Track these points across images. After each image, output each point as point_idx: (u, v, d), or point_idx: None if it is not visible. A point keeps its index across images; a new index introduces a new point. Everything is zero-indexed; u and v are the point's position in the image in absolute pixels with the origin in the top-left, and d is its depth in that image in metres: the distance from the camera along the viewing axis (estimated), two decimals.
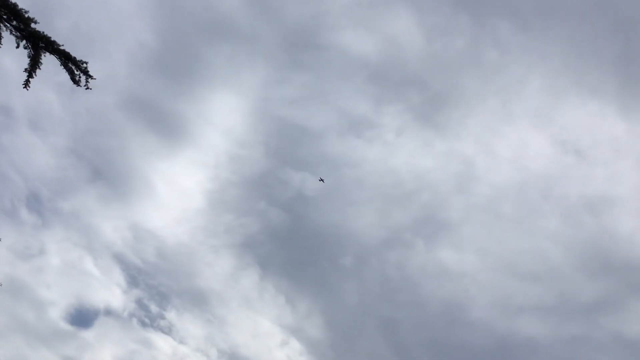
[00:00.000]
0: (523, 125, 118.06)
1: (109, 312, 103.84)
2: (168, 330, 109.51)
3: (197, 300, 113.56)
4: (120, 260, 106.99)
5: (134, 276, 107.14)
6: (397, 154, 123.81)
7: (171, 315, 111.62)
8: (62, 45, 23.75)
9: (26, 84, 23.73)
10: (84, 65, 23.80)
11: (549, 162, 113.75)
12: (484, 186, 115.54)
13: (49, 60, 24.09)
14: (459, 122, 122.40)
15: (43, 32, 23.40)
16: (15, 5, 22.79)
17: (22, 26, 23.08)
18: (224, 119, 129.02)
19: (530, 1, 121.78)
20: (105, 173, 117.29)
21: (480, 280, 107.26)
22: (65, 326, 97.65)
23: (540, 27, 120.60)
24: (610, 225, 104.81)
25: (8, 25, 23.09)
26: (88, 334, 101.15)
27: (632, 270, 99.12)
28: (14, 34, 23.15)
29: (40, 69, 23.62)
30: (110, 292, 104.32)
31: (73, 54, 23.95)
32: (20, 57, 23.75)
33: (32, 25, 23.14)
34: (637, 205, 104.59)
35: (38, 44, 23.47)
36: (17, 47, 23.36)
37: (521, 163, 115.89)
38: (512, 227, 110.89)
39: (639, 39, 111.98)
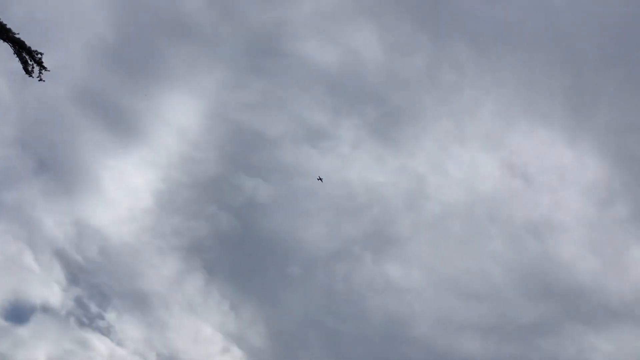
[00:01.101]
0: (474, 147, 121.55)
1: (46, 309, 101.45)
2: (107, 332, 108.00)
3: (139, 302, 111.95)
4: (61, 256, 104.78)
5: (75, 274, 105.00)
6: (351, 166, 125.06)
7: (111, 316, 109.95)
8: (17, 33, 23.24)
9: None
10: (39, 56, 23.40)
11: (497, 185, 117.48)
12: (434, 204, 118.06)
13: (1, 48, 23.52)
14: (413, 140, 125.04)
15: None
16: None
17: None
18: (179, 119, 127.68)
19: (489, 27, 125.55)
20: (52, 166, 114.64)
21: (424, 296, 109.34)
22: None
23: (497, 53, 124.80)
24: (552, 251, 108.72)
25: None
26: (23, 331, 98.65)
27: (569, 296, 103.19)
28: None
29: None
30: (48, 288, 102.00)
31: (28, 43, 23.44)
32: None
33: None
34: (578, 232, 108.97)
35: None
36: None
37: (470, 184, 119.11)
38: (458, 246, 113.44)
39: (590, 71, 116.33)
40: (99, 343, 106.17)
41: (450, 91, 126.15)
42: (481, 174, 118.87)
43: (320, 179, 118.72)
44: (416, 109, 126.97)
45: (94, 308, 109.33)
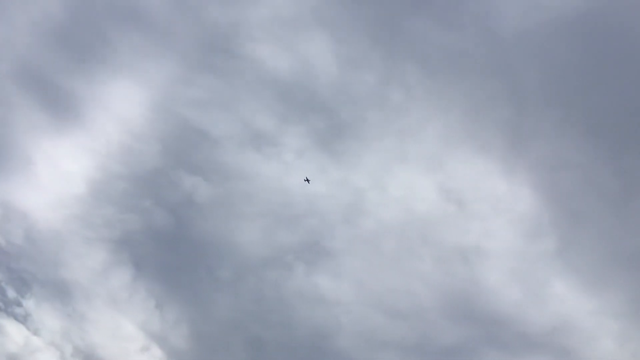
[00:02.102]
0: (415, 168, 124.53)
1: None
2: (23, 319, 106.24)
3: (60, 292, 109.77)
4: None
5: None
6: (292, 175, 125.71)
7: (29, 303, 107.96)
8: None
9: None
10: None
11: (432, 208, 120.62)
12: (370, 221, 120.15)
13: None
14: (356, 155, 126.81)
15: None
16: None
17: None
18: (122, 108, 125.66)
19: (439, 53, 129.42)
20: None
21: (351, 311, 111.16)
22: None
23: (445, 78, 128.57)
24: (478, 277, 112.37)
25: None
26: None
27: (491, 322, 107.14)
28: None
29: None
30: None
31: None
32: None
33: None
34: (505, 261, 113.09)
35: None
36: None
37: (407, 204, 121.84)
38: (389, 264, 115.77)
39: (530, 107, 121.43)
40: (14, 330, 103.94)
41: (396, 111, 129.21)
42: (418, 196, 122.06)
43: (308, 180, 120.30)
44: (362, 125, 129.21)
45: (11, 293, 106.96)
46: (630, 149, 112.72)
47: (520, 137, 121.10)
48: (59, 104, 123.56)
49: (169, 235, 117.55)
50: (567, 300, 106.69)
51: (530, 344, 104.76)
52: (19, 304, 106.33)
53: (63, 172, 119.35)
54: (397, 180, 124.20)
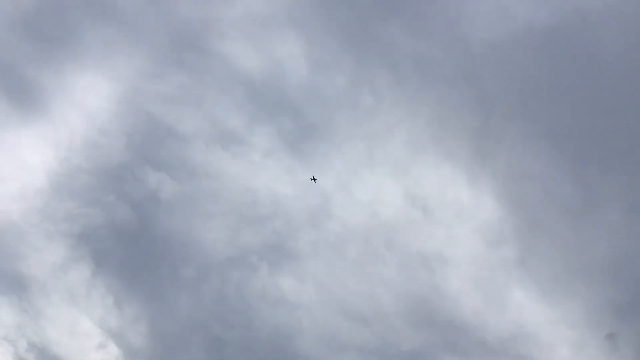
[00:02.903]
0: (382, 173, 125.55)
1: None
2: None
3: (16, 286, 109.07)
4: None
5: None
6: (260, 175, 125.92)
7: None
8: None
9: None
10: None
11: (397, 213, 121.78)
12: (336, 224, 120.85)
13: None
14: (324, 157, 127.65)
15: None
16: None
17: None
18: (88, 101, 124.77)
19: (410, 59, 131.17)
20: None
21: (313, 313, 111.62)
22: None
23: (414, 85, 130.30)
24: (440, 283, 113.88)
25: None
26: None
27: (451, 328, 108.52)
28: None
29: None
30: None
31: None
32: None
33: None
34: (466, 269, 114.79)
35: None
36: None
37: (373, 209, 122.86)
38: (353, 268, 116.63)
39: (497, 117, 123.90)
40: None
41: (365, 115, 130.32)
42: (384, 201, 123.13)
43: (314, 179, 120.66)
44: (331, 127, 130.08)
45: None
46: (592, 163, 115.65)
47: (486, 146, 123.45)
48: (22, 94, 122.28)
49: (131, 232, 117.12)
50: (525, 309, 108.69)
51: (488, 351, 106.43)
52: None
53: (24, 164, 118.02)
54: (363, 184, 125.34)
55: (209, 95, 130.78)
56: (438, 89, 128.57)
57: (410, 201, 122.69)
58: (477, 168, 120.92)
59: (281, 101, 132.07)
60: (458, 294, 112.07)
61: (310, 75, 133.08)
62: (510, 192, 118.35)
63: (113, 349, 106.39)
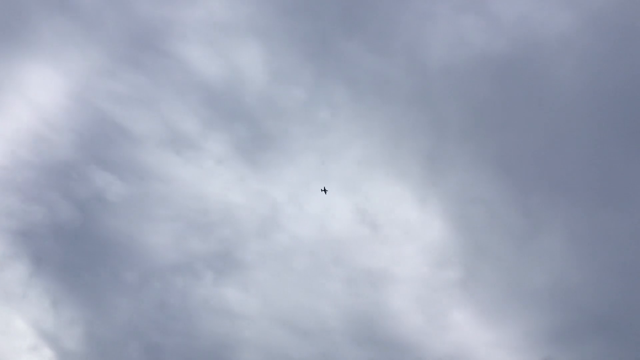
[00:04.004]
0: (333, 188, 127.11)
1: None
2: None
3: None
4: None
5: None
6: (211, 182, 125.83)
7: None
8: None
9: None
10: None
11: (346, 229, 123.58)
12: (284, 236, 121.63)
13: None
14: (277, 168, 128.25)
15: None
16: None
17: None
18: (37, 94, 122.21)
19: (368, 77, 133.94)
20: None
21: (256, 325, 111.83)
22: None
23: (371, 102, 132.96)
24: (384, 301, 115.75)
25: None
26: None
27: (392, 346, 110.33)
28: None
29: None
30: None
31: None
32: None
33: None
34: (410, 288, 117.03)
35: None
36: None
37: (322, 223, 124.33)
38: (299, 281, 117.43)
39: (448, 139, 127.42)
40: None
41: (321, 128, 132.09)
42: (334, 215, 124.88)
43: (325, 190, 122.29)
44: (286, 139, 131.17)
45: None
46: (537, 191, 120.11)
47: (437, 168, 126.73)
48: None
49: (74, 231, 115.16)
50: (465, 330, 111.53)
51: None
52: None
53: None
54: (314, 198, 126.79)
55: (164, 97, 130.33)
56: (394, 108, 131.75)
57: (360, 217, 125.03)
58: (426, 189, 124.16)
59: (238, 109, 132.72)
60: (401, 312, 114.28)
61: (268, 85, 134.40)
62: (457, 215, 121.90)
63: (46, 352, 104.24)
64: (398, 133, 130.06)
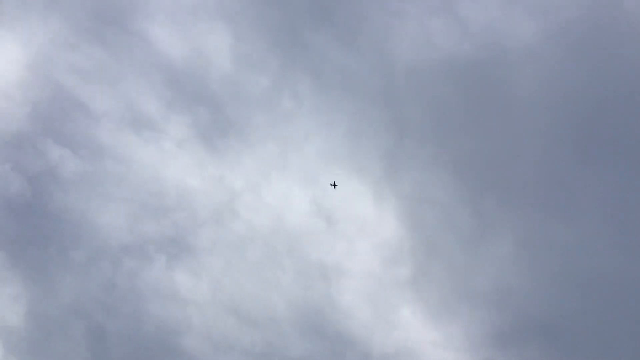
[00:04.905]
0: (292, 179, 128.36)
1: None
2: None
3: None
4: None
5: None
6: (169, 164, 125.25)
7: None
8: None
9: None
10: None
11: (302, 221, 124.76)
12: (240, 224, 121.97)
13: None
14: (237, 155, 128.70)
15: None
16: None
17: None
18: None
19: (335, 70, 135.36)
20: None
21: (205, 312, 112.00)
22: None
23: (335, 96, 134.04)
24: (334, 295, 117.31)
25: None
26: None
27: (339, 340, 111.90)
28: None
29: None
30: None
31: None
32: None
33: None
34: (361, 283, 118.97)
35: None
36: None
37: (279, 213, 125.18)
38: (251, 270, 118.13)
39: (408, 139, 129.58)
40: None
41: (284, 118, 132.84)
42: (291, 207, 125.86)
43: (334, 185, 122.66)
44: (248, 126, 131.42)
45: None
46: (489, 195, 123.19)
47: (395, 167, 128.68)
48: None
49: (23, 205, 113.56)
50: (412, 328, 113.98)
51: None
52: None
53: None
54: (272, 187, 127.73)
55: (127, 75, 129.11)
56: (357, 104, 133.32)
57: (316, 210, 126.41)
58: (383, 186, 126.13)
59: (201, 93, 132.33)
60: (350, 307, 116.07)
61: (233, 71, 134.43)
62: (411, 214, 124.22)
63: None
64: (359, 129, 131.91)
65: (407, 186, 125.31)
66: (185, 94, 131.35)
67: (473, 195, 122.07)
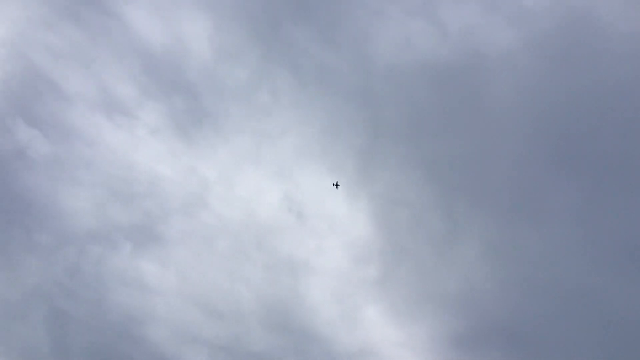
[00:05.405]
0: (265, 173, 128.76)
1: None
2: None
3: None
4: None
5: None
6: (141, 151, 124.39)
7: None
8: None
9: None
10: None
11: (273, 215, 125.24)
12: (210, 216, 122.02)
13: None
14: (211, 146, 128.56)
15: None
16: None
17: None
18: None
19: (313, 66, 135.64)
20: None
21: (170, 302, 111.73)
22: None
23: (313, 92, 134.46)
24: (302, 291, 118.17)
25: None
26: None
27: (303, 336, 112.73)
28: None
29: None
30: None
31: None
32: None
33: None
34: (329, 281, 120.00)
35: None
36: None
37: (250, 206, 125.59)
38: (219, 262, 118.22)
39: (383, 139, 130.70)
40: None
41: (261, 112, 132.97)
42: (262, 200, 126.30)
43: (337, 185, 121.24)
44: (224, 118, 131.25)
45: None
46: (460, 199, 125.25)
47: (369, 167, 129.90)
48: None
49: None
50: (376, 328, 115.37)
51: None
52: None
53: None
54: (245, 180, 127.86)
55: (103, 58, 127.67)
56: (334, 101, 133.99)
57: (288, 205, 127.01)
58: (357, 185, 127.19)
59: (177, 81, 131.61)
60: (316, 303, 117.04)
61: (212, 61, 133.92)
62: (382, 214, 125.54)
63: None
64: (335, 126, 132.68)
65: (379, 186, 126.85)
66: (161, 81, 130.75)
67: (444, 198, 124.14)
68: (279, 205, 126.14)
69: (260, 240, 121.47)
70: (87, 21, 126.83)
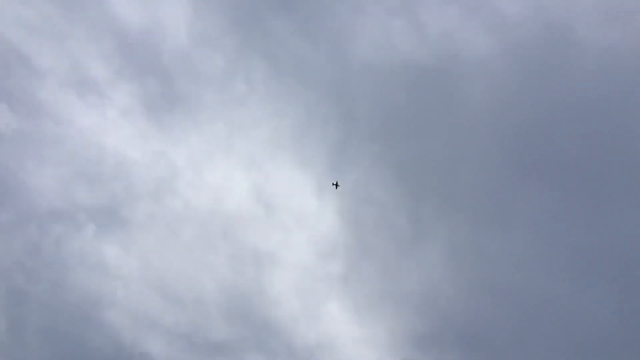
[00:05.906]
0: (236, 162, 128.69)
1: None
2: None
3: None
4: None
5: None
6: (110, 133, 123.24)
7: None
8: None
9: None
10: None
11: (241, 206, 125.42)
12: (178, 202, 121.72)
13: None
14: (182, 131, 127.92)
15: None
16: None
17: None
18: None
19: (291, 58, 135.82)
20: None
21: (130, 287, 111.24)
22: None
23: (289, 84, 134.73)
24: (265, 283, 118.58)
25: None
26: None
27: (264, 328, 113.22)
28: None
29: None
30: None
31: None
32: None
33: None
34: (293, 275, 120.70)
35: None
36: None
37: (218, 195, 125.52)
38: (183, 249, 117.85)
39: (356, 136, 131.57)
40: None
41: (235, 100, 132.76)
42: (231, 190, 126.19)
43: (336, 185, 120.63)
44: (197, 104, 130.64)
45: None
46: (428, 200, 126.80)
47: (341, 163, 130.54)
48: None
49: None
50: (337, 323, 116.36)
51: (294, 355, 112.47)
52: None
53: None
54: (215, 168, 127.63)
55: (76, 34, 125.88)
56: (310, 95, 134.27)
57: (256, 197, 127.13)
58: (327, 181, 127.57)
59: (152, 63, 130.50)
60: (279, 296, 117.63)
61: (189, 46, 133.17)
62: (350, 211, 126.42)
63: None
64: (309, 121, 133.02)
65: (350, 183, 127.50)
66: (135, 62, 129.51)
67: (412, 198, 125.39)
68: (248, 196, 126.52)
69: (226, 229, 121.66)
70: None
